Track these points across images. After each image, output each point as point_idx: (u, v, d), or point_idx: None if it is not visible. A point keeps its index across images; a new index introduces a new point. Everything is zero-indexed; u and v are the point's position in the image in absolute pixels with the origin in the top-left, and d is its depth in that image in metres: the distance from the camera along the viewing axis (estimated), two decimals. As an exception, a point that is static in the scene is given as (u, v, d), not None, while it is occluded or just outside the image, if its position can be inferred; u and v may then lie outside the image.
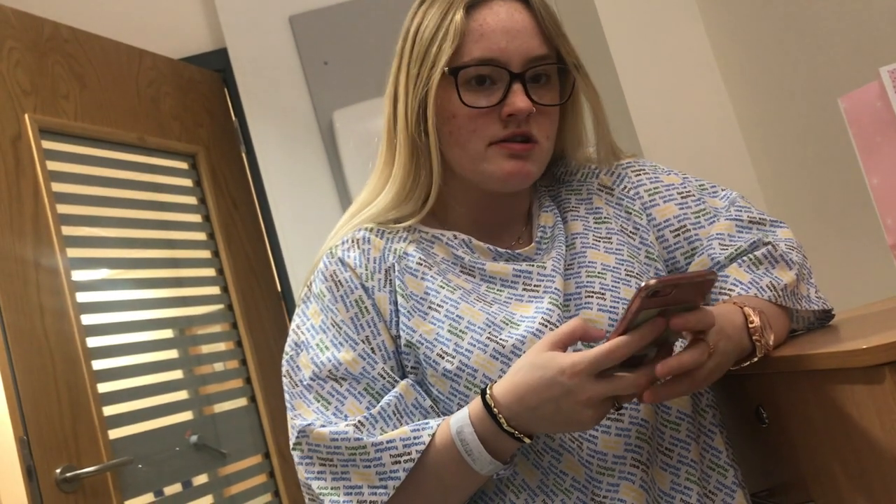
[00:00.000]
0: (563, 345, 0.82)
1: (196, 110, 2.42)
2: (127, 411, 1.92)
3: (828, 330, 1.02)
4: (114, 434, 1.85)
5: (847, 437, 0.83)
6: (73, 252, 1.90)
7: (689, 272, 0.74)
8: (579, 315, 0.96)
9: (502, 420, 0.83)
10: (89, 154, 2.07)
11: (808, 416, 0.90)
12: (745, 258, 0.99)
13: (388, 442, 0.88)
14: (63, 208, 1.92)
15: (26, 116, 1.90)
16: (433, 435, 0.87)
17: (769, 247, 1.00)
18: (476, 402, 0.86)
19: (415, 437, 0.87)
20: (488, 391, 0.85)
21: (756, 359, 0.89)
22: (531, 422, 0.83)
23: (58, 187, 1.93)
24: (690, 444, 0.94)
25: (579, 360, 0.78)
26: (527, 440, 0.84)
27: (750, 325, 0.88)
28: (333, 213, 2.41)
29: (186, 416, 2.13)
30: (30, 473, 1.65)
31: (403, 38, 1.01)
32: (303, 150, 2.45)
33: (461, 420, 0.86)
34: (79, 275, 1.91)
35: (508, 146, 0.96)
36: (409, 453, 0.87)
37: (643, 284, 0.72)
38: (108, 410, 1.86)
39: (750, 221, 1.04)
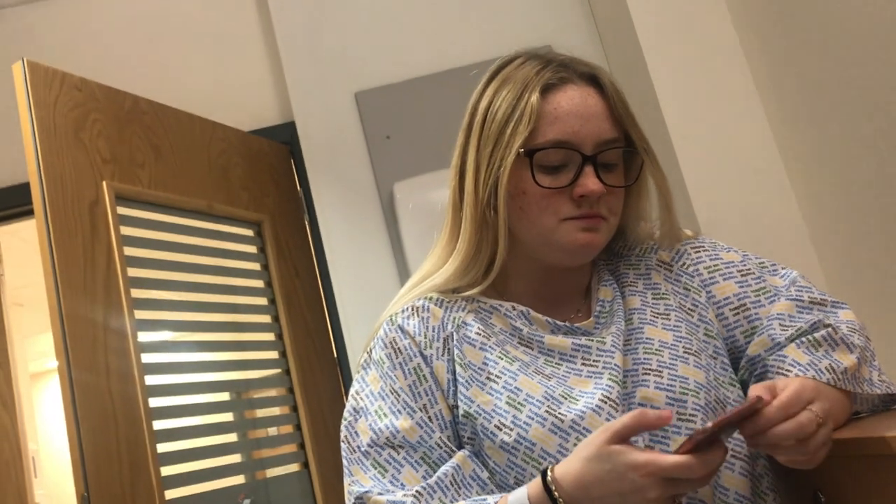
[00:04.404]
0: (625, 438, 0.82)
1: (263, 180, 2.51)
2: (183, 472, 1.95)
3: (892, 413, 1.00)
4: (170, 495, 1.87)
5: (911, 525, 0.81)
6: (140, 314, 1.96)
7: (738, 407, 0.80)
8: (636, 392, 0.96)
9: (562, 503, 0.83)
10: (161, 220, 2.15)
11: (868, 503, 0.87)
12: (804, 339, 0.98)
13: None
14: (133, 272, 1.99)
15: (104, 183, 1.99)
16: None
17: (829, 329, 0.99)
18: (536, 485, 0.85)
19: None
20: (550, 474, 0.85)
21: None
22: None
23: (129, 251, 2.00)
24: (749, 527, 0.93)
25: (652, 462, 0.79)
26: None
27: None
28: (391, 283, 2.45)
29: (239, 479, 2.14)
30: (88, 530, 1.68)
31: (471, 114, 1.04)
32: (364, 220, 2.50)
33: (520, 500, 0.85)
34: (144, 336, 1.97)
35: (581, 221, 0.98)
36: None
37: (700, 428, 0.78)
38: (166, 471, 1.88)
39: (811, 302, 1.03)
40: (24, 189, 2.31)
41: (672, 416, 0.83)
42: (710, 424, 0.77)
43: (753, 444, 0.84)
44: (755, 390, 0.83)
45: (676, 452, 0.80)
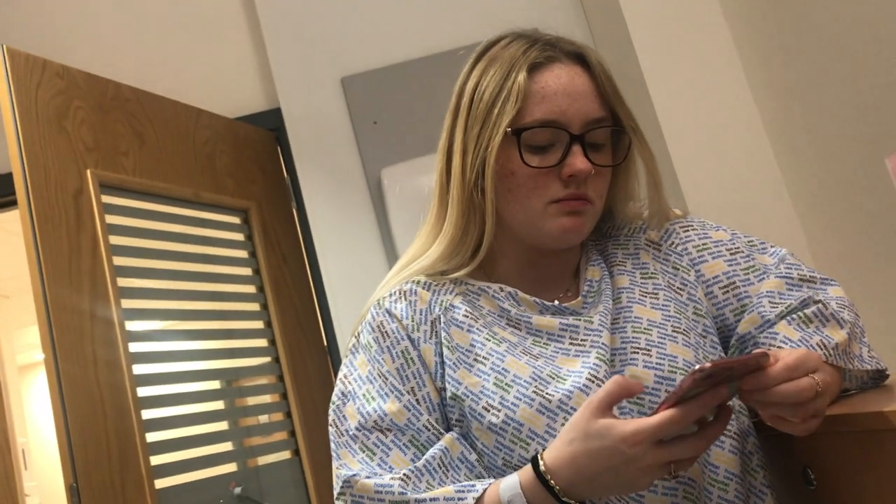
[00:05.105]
0: (608, 409, 0.82)
1: (249, 167, 2.49)
2: (173, 461, 1.94)
3: (881, 390, 1.00)
4: (160, 484, 1.87)
5: (898, 501, 0.81)
6: (127, 303, 1.95)
7: (743, 356, 0.79)
8: (624, 371, 0.95)
9: (559, 491, 0.82)
10: (146, 208, 2.13)
11: (858, 479, 0.87)
12: (794, 316, 0.98)
13: (431, 500, 0.87)
14: (119, 260, 1.98)
15: (88, 172, 1.97)
16: (478, 499, 0.86)
17: (820, 305, 0.99)
18: (527, 472, 0.85)
19: (459, 498, 0.87)
20: (541, 461, 0.84)
21: None
22: (588, 490, 0.82)
23: (115, 240, 1.99)
24: (739, 505, 0.93)
25: (640, 430, 0.78)
26: None
27: None
28: (380, 268, 2.44)
29: (230, 467, 2.14)
30: (78, 521, 1.67)
31: (458, 96, 1.04)
32: (351, 206, 2.49)
33: (512, 488, 0.85)
34: (132, 325, 1.96)
35: (567, 204, 0.98)
36: None
37: (698, 367, 0.74)
38: (156, 460, 1.88)
39: (800, 279, 1.03)
40: (6, 179, 2.29)
41: (642, 385, 0.83)
42: (708, 364, 0.74)
43: (748, 399, 0.84)
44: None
45: (661, 406, 0.79)
